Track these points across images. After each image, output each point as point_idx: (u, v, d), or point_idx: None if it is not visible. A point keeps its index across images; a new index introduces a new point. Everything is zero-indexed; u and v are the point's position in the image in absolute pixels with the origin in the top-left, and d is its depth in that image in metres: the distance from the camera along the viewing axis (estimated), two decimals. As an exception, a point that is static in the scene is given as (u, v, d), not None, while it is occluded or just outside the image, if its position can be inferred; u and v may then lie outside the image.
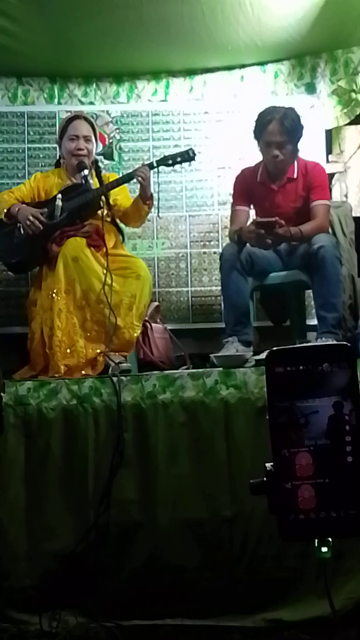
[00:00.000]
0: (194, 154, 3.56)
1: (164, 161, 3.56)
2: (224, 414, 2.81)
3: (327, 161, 4.34)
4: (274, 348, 1.12)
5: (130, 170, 3.64)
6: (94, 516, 2.71)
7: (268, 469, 1.10)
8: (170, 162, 3.56)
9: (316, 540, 1.11)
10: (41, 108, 4.34)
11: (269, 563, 2.68)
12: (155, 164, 3.54)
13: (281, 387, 1.09)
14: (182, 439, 2.80)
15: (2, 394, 1.24)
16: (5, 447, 2.76)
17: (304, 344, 3.13)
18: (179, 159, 3.55)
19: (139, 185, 3.53)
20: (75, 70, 4.33)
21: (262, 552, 2.68)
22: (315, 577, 2.50)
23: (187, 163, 3.61)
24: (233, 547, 2.73)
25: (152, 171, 3.53)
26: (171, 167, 3.59)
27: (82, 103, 4.35)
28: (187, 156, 3.55)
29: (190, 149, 3.58)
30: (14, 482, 2.77)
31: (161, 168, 3.58)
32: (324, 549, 1.11)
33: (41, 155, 4.32)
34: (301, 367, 1.09)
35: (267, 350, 1.15)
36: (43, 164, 4.25)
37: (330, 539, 1.11)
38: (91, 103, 4.37)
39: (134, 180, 3.54)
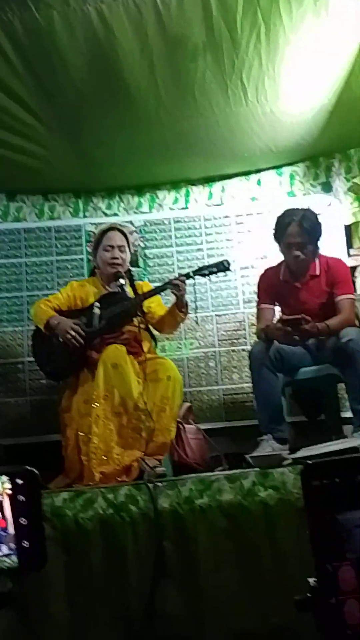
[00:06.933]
0: (229, 264, 3.64)
1: (200, 271, 3.66)
2: (264, 516, 2.75)
3: (349, 255, 4.40)
4: (308, 462, 1.12)
5: (155, 275, 3.73)
6: (139, 631, 2.63)
7: (312, 584, 1.09)
8: (206, 272, 3.66)
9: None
10: (67, 222, 4.51)
11: None
12: (192, 274, 3.64)
13: (319, 500, 1.09)
14: (224, 545, 2.74)
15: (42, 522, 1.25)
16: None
17: (338, 443, 3.10)
18: (214, 269, 3.65)
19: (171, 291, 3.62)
20: (98, 186, 4.52)
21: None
22: None
23: (223, 273, 3.70)
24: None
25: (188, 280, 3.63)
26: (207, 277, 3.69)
27: (106, 215, 4.51)
28: (222, 267, 3.64)
29: (225, 260, 3.66)
30: (55, 600, 2.71)
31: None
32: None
33: (69, 267, 4.46)
34: (337, 480, 1.09)
35: (304, 448, 1.16)
36: (71, 275, 4.39)
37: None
38: (115, 214, 4.53)
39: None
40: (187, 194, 4.54)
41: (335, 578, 1.08)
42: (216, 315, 4.41)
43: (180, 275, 3.67)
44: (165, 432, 3.39)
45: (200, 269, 3.69)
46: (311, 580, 1.10)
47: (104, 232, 3.80)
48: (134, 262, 4.43)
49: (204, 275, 3.67)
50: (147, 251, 4.51)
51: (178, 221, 4.53)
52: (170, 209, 4.55)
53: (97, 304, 3.60)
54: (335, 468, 1.10)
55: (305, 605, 1.12)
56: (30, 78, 3.50)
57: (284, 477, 2.81)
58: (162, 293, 3.77)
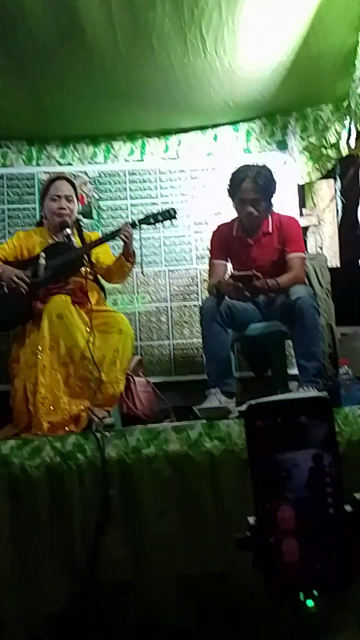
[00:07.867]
0: (175, 213, 3.63)
1: (146, 220, 3.63)
2: (209, 466, 2.80)
3: (301, 214, 4.45)
4: (253, 402, 1.14)
5: (109, 228, 3.69)
6: (83, 576, 2.67)
7: (251, 523, 1.11)
8: (152, 220, 3.63)
9: (301, 594, 1.12)
10: (20, 170, 4.44)
11: (265, 618, 2.64)
12: (137, 223, 3.61)
13: (261, 441, 1.11)
14: (168, 493, 2.79)
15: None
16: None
17: (283, 396, 3.17)
18: (160, 218, 3.62)
19: (121, 243, 3.60)
20: (52, 133, 4.44)
21: (256, 607, 2.65)
22: (314, 630, 2.46)
23: (169, 221, 3.69)
24: (227, 603, 2.69)
25: (134, 229, 3.60)
26: (152, 225, 3.67)
27: (60, 164, 4.45)
28: (168, 214, 3.62)
29: (172, 208, 3.66)
30: (0, 545, 2.73)
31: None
32: (310, 603, 1.12)
33: (20, 216, 4.40)
34: (280, 420, 1.11)
35: (249, 401, 1.17)
36: (22, 224, 4.34)
37: (315, 592, 1.11)
38: (69, 164, 4.46)
39: (116, 238, 3.61)
40: (143, 146, 4.50)
41: (274, 517, 1.10)
42: (169, 270, 4.42)
43: (126, 223, 3.65)
44: (114, 384, 3.40)
45: (146, 217, 3.66)
46: (251, 519, 1.12)
47: (52, 182, 3.73)
48: (88, 214, 4.39)
49: (149, 223, 3.64)
50: (101, 203, 4.47)
51: (133, 173, 4.50)
52: (126, 160, 4.51)
53: (43, 254, 3.56)
54: (278, 409, 1.12)
55: (244, 544, 1.14)
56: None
57: (230, 429, 2.86)
58: (112, 244, 3.73)
